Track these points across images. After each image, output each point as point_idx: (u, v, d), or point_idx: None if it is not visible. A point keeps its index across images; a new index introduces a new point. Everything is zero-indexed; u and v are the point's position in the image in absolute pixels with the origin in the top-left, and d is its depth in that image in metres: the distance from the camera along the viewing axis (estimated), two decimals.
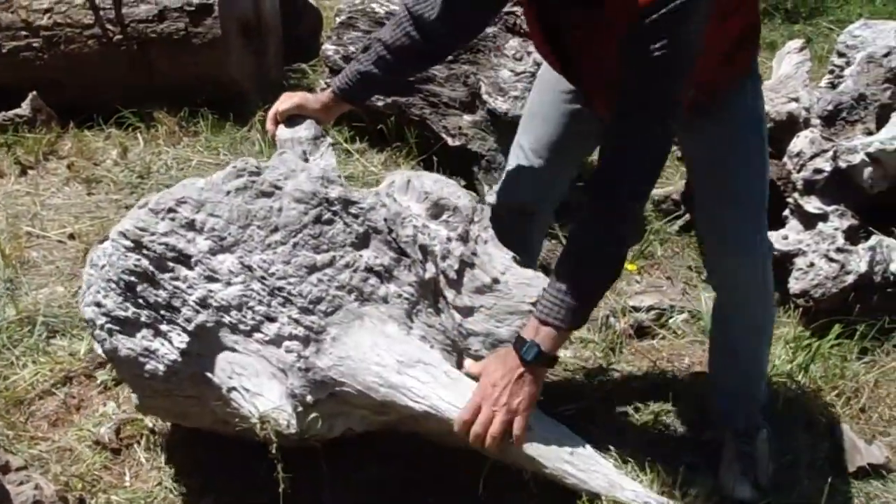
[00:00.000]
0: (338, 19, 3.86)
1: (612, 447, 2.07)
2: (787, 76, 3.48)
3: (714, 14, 1.61)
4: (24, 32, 3.96)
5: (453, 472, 2.04)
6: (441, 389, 1.67)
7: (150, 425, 2.23)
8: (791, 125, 3.19)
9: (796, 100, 3.25)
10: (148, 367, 1.76)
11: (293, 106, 2.06)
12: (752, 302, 2.12)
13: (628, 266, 3.12)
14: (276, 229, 1.76)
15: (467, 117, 3.45)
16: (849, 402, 2.52)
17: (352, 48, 3.74)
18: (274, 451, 1.67)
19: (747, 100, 1.97)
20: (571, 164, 2.23)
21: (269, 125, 2.09)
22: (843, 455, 2.30)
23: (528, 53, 3.31)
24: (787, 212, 3.03)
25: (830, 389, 2.54)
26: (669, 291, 3.04)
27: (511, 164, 2.20)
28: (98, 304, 1.76)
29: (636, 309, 2.90)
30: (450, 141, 3.47)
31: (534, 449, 1.69)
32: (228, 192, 1.78)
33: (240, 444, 2.10)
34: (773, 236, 2.92)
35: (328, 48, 3.83)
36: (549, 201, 2.24)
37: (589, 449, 1.73)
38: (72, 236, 3.16)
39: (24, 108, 3.86)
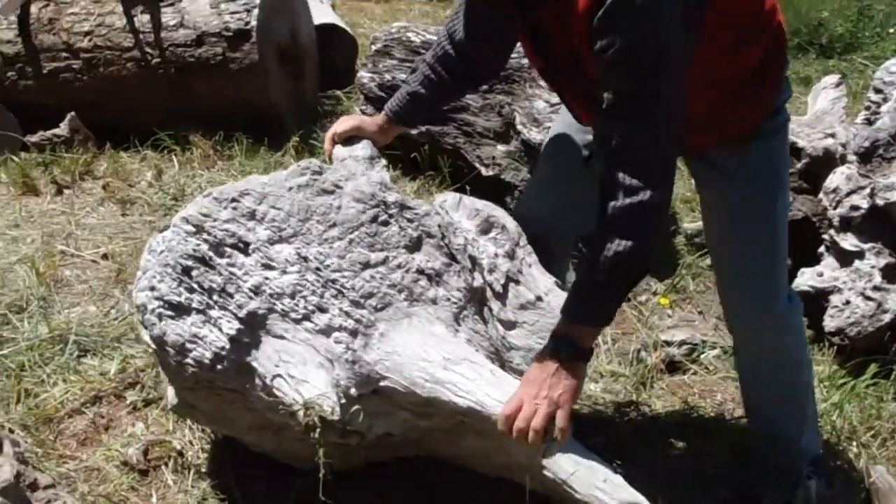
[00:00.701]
0: (373, 47, 3.89)
1: (642, 481, 2.04)
2: (823, 112, 3.46)
3: (713, 37, 1.61)
4: (64, 54, 4.04)
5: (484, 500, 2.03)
6: (486, 386, 1.67)
7: (179, 447, 2.22)
8: (827, 161, 3.17)
9: (832, 135, 3.22)
10: (194, 353, 1.77)
11: (351, 128, 2.10)
12: (772, 367, 2.09)
13: (660, 300, 3.09)
14: (333, 225, 1.82)
15: (501, 147, 3.45)
16: (885, 444, 2.47)
17: (387, 76, 3.76)
18: (316, 435, 1.66)
19: (765, 149, 1.91)
20: (586, 196, 2.22)
21: (326, 145, 2.13)
22: (879, 498, 2.25)
23: None
24: (822, 248, 3.00)
25: (866, 430, 2.49)
26: (701, 326, 3.01)
27: (525, 192, 2.23)
28: (152, 289, 1.79)
29: (668, 343, 2.87)
30: (483, 171, 3.48)
31: (566, 472, 1.68)
32: (291, 188, 1.85)
33: (268, 469, 2.11)
34: (808, 273, 2.90)
35: (363, 76, 3.86)
36: (562, 231, 2.20)
37: (621, 479, 1.72)
38: (105, 256, 3.18)
39: (63, 129, 3.92)
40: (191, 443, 2.25)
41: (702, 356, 2.84)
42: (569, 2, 1.59)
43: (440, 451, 1.95)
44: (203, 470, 2.19)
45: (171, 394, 1.98)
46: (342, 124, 2.11)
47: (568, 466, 1.69)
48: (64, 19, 4.05)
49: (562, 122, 2.17)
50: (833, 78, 3.71)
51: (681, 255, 3.45)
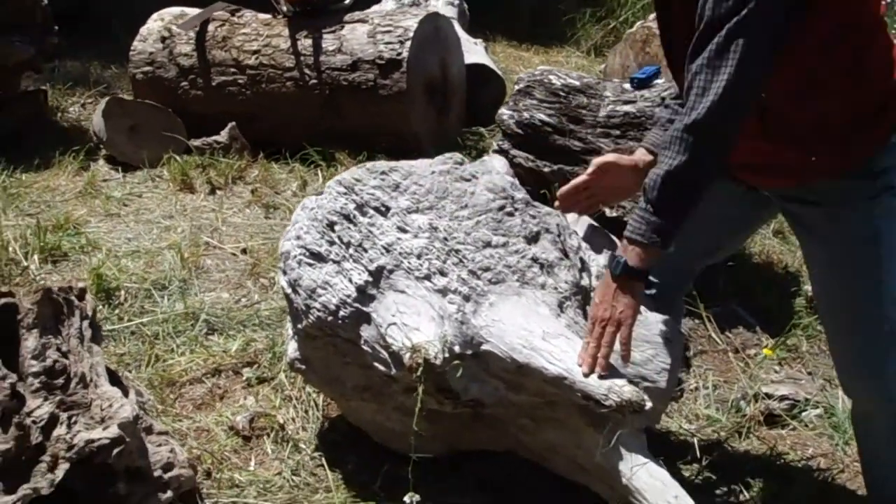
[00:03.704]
0: (516, 87, 4.04)
1: None
2: None
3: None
4: (233, 69, 4.40)
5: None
6: (577, 357, 1.82)
7: (282, 421, 2.40)
8: None
9: None
10: (322, 298, 2.00)
11: (605, 162, 2.10)
12: (887, 418, 2.00)
13: (765, 351, 3.09)
14: (465, 207, 2.05)
15: None
16: None
17: (525, 114, 3.89)
18: (419, 374, 1.80)
19: (864, 201, 1.86)
20: (696, 254, 2.23)
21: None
22: None
23: None
24: None
25: None
26: (807, 385, 2.96)
27: None
28: (298, 238, 2.06)
29: (769, 396, 2.85)
30: (607, 211, 3.56)
31: (641, 482, 1.79)
32: (434, 172, 2.11)
33: (359, 451, 2.26)
34: None
35: (504, 112, 4.01)
36: (671, 287, 2.23)
37: (691, 500, 1.77)
38: (244, 251, 3.44)
39: (223, 136, 4.26)
40: (293, 419, 2.43)
41: (803, 413, 2.79)
42: None
43: (522, 443, 2.07)
44: (300, 445, 2.35)
45: (291, 348, 2.20)
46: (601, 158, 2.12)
47: (643, 476, 1.78)
48: (236, 38, 4.41)
49: None
50: None
51: (799, 315, 3.42)
